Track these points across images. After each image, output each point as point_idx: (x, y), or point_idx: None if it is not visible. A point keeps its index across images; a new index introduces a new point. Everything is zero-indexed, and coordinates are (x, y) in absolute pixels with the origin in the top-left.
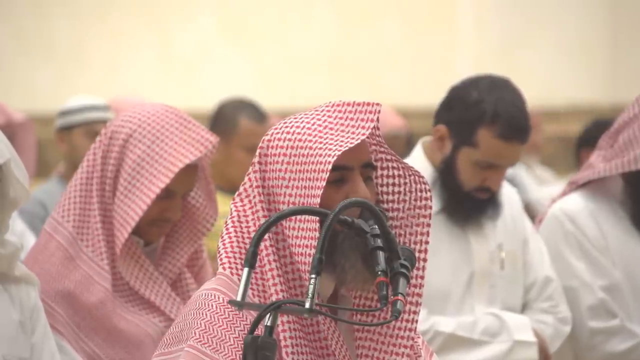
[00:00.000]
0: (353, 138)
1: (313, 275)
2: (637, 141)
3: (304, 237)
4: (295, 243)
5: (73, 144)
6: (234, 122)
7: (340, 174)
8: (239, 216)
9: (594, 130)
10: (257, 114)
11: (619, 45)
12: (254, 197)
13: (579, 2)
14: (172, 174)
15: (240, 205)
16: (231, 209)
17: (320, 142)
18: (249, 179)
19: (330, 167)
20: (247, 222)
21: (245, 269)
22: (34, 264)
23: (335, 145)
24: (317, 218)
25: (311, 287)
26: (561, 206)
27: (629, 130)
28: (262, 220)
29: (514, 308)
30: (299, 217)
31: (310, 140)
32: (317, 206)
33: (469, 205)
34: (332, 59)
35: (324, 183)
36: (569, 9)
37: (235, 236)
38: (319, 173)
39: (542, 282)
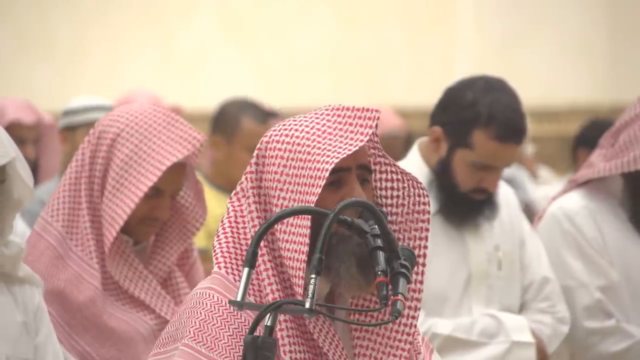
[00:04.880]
0: (351, 144)
1: (313, 275)
2: (637, 141)
3: (294, 241)
4: (285, 247)
5: (76, 144)
6: (237, 122)
7: (336, 176)
8: (235, 216)
9: (591, 130)
10: (260, 114)
11: (619, 45)
12: (249, 197)
13: (579, 2)
14: (159, 172)
15: (238, 205)
16: (228, 208)
17: (318, 148)
18: (246, 179)
19: (327, 174)
20: (244, 222)
21: (246, 269)
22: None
23: (333, 152)
24: (309, 223)
25: (311, 287)
26: (560, 205)
27: (629, 130)
28: (256, 222)
29: (511, 309)
30: (290, 221)
31: (308, 145)
32: None
33: (466, 206)
34: (332, 59)
35: (319, 190)
36: (569, 9)
37: (231, 236)
38: (315, 179)
39: (540, 283)
